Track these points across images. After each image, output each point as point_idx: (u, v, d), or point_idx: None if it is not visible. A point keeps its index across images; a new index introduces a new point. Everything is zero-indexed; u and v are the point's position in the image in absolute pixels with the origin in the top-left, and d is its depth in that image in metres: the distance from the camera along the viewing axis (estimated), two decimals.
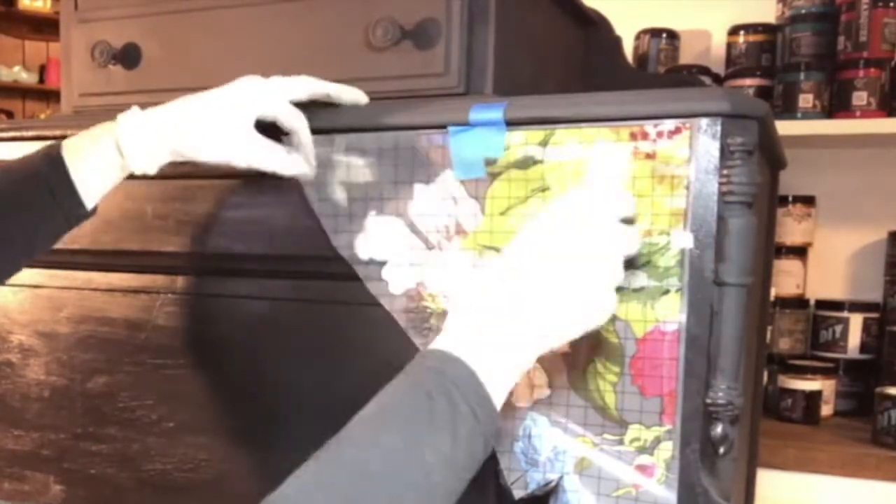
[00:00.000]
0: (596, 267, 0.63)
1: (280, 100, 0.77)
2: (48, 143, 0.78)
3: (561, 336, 0.63)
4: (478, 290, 0.63)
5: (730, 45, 1.67)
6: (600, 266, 0.63)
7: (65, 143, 0.77)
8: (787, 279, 1.67)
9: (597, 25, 1.17)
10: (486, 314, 0.62)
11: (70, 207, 0.75)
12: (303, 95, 0.78)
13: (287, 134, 0.79)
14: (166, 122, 0.76)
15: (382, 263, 0.79)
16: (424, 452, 0.55)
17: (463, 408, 0.57)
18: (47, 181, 0.74)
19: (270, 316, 0.86)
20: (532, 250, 0.64)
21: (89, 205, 0.77)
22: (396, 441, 0.55)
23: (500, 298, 0.62)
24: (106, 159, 0.76)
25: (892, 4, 1.51)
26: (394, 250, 0.79)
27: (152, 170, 0.77)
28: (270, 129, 0.79)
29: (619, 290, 0.67)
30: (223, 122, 0.76)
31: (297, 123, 0.78)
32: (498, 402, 0.60)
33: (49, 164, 0.75)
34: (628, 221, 0.67)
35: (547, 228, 0.65)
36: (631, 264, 0.69)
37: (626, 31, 1.47)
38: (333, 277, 0.82)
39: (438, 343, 0.61)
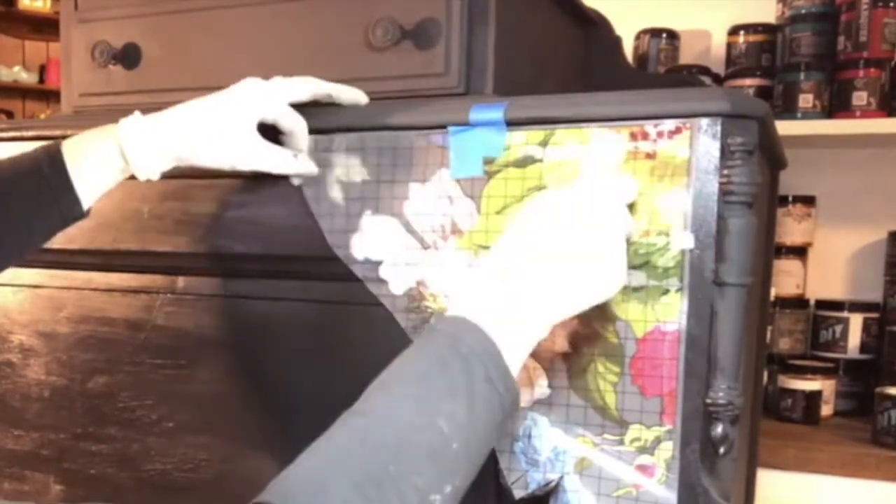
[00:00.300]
0: (601, 240, 0.64)
1: (281, 102, 0.78)
2: (48, 142, 0.78)
3: (569, 305, 0.63)
4: (495, 263, 0.63)
5: (730, 45, 1.68)
6: (606, 239, 0.64)
7: (65, 142, 0.77)
8: (787, 279, 1.67)
9: (597, 25, 1.17)
10: (494, 282, 0.61)
11: (67, 207, 0.75)
12: (304, 96, 0.79)
13: (283, 134, 0.80)
14: (170, 128, 0.76)
15: (378, 263, 0.79)
16: (440, 420, 0.54)
17: (479, 375, 0.56)
18: (46, 179, 0.74)
19: (270, 316, 0.86)
20: (537, 232, 0.64)
21: (86, 205, 0.77)
22: (411, 410, 0.54)
23: (506, 268, 0.62)
24: (107, 162, 0.76)
25: (892, 4, 1.51)
26: (389, 250, 0.79)
27: (156, 175, 0.77)
28: (268, 130, 0.79)
29: (622, 289, 0.68)
30: (226, 127, 0.76)
31: (297, 125, 0.79)
32: (514, 369, 0.59)
33: (49, 163, 0.75)
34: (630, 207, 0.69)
35: (554, 204, 0.65)
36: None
37: (626, 31, 1.47)
38: (333, 277, 0.82)
39: (451, 309, 0.60)
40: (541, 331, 0.61)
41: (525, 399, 0.75)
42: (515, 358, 0.59)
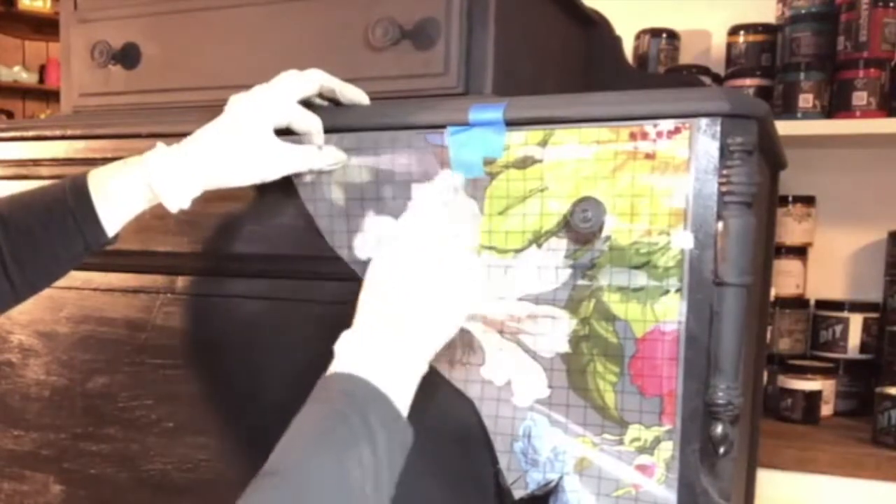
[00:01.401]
0: (449, 289, 0.70)
1: (290, 104, 0.78)
2: (75, 174, 0.79)
3: (435, 343, 0.69)
4: (364, 312, 0.69)
5: (730, 45, 1.67)
6: (453, 288, 0.71)
7: (91, 175, 0.78)
8: (787, 279, 1.67)
9: (597, 25, 1.17)
10: (370, 337, 0.67)
11: (92, 238, 0.77)
12: (311, 90, 0.79)
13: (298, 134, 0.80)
14: (195, 160, 0.77)
15: None
16: (351, 467, 0.59)
17: (376, 424, 0.61)
18: (72, 213, 0.76)
19: (270, 316, 0.86)
20: (397, 264, 0.71)
21: (111, 233, 0.78)
22: (325, 461, 0.59)
23: (377, 321, 0.68)
24: (134, 196, 0.78)
25: (892, 4, 1.50)
26: None
27: (186, 205, 0.78)
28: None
29: (622, 289, 0.69)
30: (246, 145, 0.77)
31: (311, 124, 0.79)
32: (402, 406, 0.65)
33: (74, 197, 0.76)
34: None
35: (405, 243, 0.72)
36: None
37: (626, 31, 1.47)
38: (333, 277, 0.82)
39: (336, 367, 0.66)
40: (420, 368, 0.68)
41: (525, 399, 0.75)
42: (403, 397, 0.65)
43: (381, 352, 0.66)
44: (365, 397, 0.63)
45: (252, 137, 0.77)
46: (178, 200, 0.77)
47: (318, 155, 0.79)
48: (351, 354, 0.66)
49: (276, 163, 0.78)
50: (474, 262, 0.75)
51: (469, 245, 0.75)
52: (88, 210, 0.76)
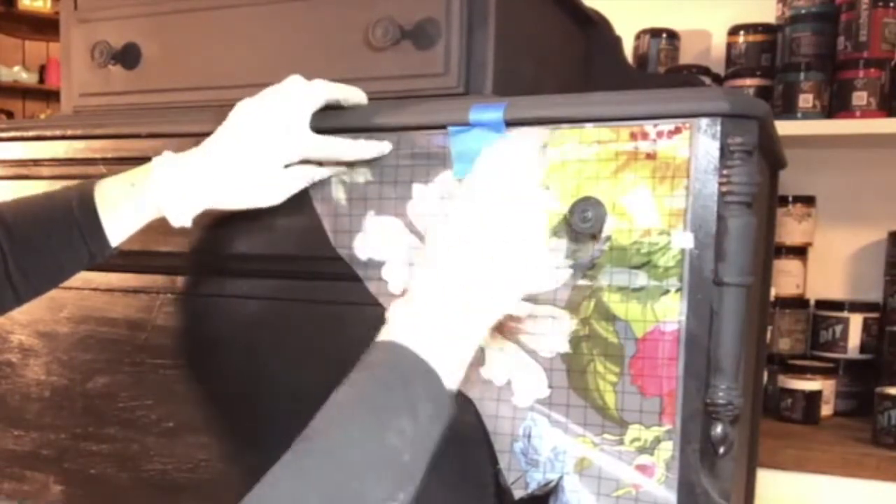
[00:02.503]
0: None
1: (301, 130, 0.77)
2: (82, 182, 0.79)
3: (493, 317, 0.67)
4: (418, 281, 0.67)
5: (730, 45, 1.67)
6: (524, 234, 0.68)
7: (98, 186, 0.78)
8: (787, 279, 1.67)
9: (597, 25, 1.17)
10: (425, 299, 0.65)
11: (96, 247, 0.78)
12: (318, 106, 0.78)
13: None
14: (201, 180, 0.77)
15: (381, 263, 0.79)
16: (390, 436, 0.58)
17: (419, 395, 0.60)
18: (78, 224, 0.77)
19: (270, 316, 0.86)
20: (458, 231, 0.68)
21: (116, 243, 0.79)
22: (364, 428, 0.58)
23: (435, 284, 0.66)
24: (140, 210, 0.78)
25: (892, 4, 1.50)
26: (392, 250, 0.79)
27: (189, 223, 0.79)
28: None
29: (622, 289, 0.68)
30: (252, 179, 0.77)
31: (324, 153, 0.79)
32: (450, 381, 0.63)
33: (81, 210, 0.77)
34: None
35: (469, 209, 0.69)
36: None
37: (626, 31, 1.47)
38: (333, 277, 0.82)
39: (384, 335, 0.64)
40: (473, 342, 0.66)
41: (525, 399, 0.75)
42: (452, 372, 0.63)
43: (432, 323, 0.64)
44: (410, 368, 0.61)
45: (258, 169, 0.77)
46: (182, 219, 0.78)
47: (319, 172, 0.80)
48: (401, 323, 0.64)
49: (280, 193, 0.79)
50: (543, 233, 0.71)
51: (539, 214, 0.71)
52: (94, 222, 0.77)
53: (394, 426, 0.58)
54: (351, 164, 0.80)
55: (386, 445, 0.58)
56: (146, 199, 0.77)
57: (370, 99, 0.82)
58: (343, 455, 0.57)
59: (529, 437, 0.75)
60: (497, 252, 0.67)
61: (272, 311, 0.86)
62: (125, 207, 0.78)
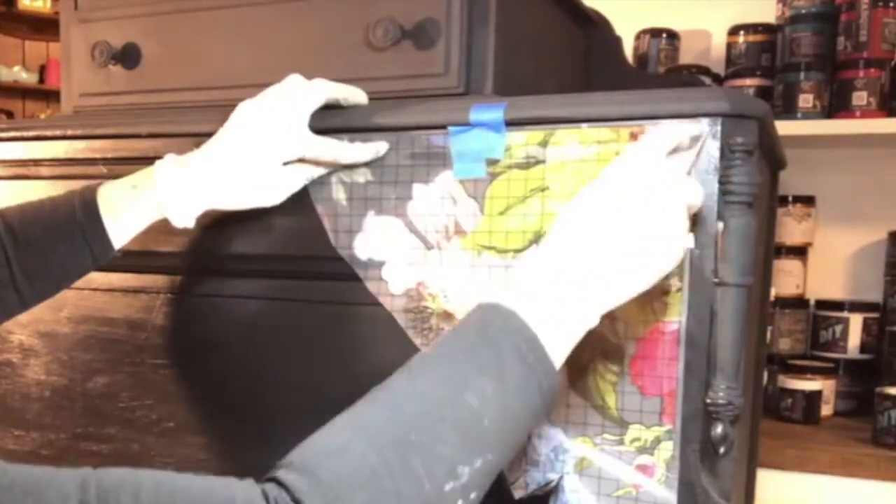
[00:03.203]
0: (657, 218, 0.62)
1: (300, 130, 0.77)
2: (85, 185, 0.80)
3: (614, 299, 0.62)
4: (541, 252, 0.62)
5: (730, 45, 1.67)
6: (661, 216, 0.62)
7: (101, 191, 0.79)
8: (787, 279, 1.67)
9: (597, 25, 1.17)
10: (532, 276, 0.60)
11: (99, 251, 0.79)
12: (318, 105, 0.78)
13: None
14: (203, 181, 0.78)
15: (381, 263, 0.79)
16: (466, 395, 0.54)
17: (511, 356, 0.55)
18: (81, 228, 0.78)
19: (270, 316, 0.86)
20: (592, 208, 0.62)
21: (119, 246, 0.80)
22: (432, 384, 0.54)
23: (558, 262, 0.61)
24: (143, 214, 0.79)
25: (892, 4, 1.50)
26: (393, 250, 0.79)
27: (192, 224, 0.79)
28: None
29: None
30: (253, 177, 0.78)
31: (321, 153, 0.79)
32: (556, 355, 0.58)
33: (85, 214, 0.78)
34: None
35: (606, 189, 0.63)
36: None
37: (626, 31, 1.47)
38: (333, 277, 0.82)
39: (495, 297, 0.59)
40: (588, 319, 0.60)
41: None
42: (557, 342, 0.58)
43: (539, 288, 0.59)
44: (503, 328, 0.56)
45: (260, 168, 0.77)
46: (185, 219, 0.79)
47: (317, 170, 0.81)
48: (505, 287, 0.60)
49: (281, 192, 0.80)
50: (683, 222, 0.64)
51: (680, 206, 0.64)
52: (97, 226, 0.78)
53: (472, 386, 0.54)
54: (349, 167, 0.80)
55: (462, 403, 0.53)
56: (148, 200, 0.78)
57: (370, 99, 0.82)
58: (409, 406, 0.53)
59: (529, 436, 0.75)
60: (629, 244, 0.61)
61: (272, 311, 0.86)
62: (128, 210, 0.78)
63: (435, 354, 0.57)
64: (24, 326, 0.99)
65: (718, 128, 0.68)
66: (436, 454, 0.52)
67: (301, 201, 0.81)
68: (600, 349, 0.72)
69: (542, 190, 0.73)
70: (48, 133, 0.94)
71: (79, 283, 0.95)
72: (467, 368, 0.55)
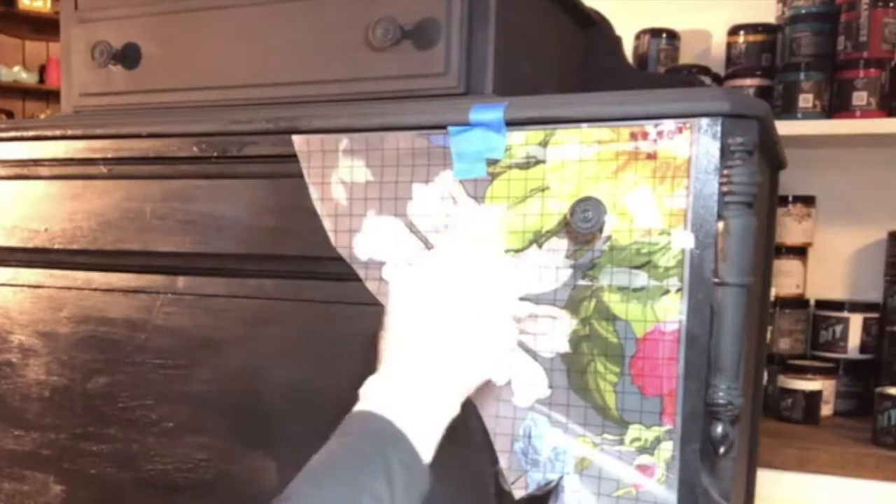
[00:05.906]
0: (484, 326, 0.70)
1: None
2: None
3: (469, 385, 0.69)
4: (390, 352, 0.69)
5: (730, 45, 1.67)
6: (488, 325, 0.70)
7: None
8: (787, 279, 1.67)
9: (597, 25, 1.17)
10: (397, 375, 0.67)
11: None
12: None
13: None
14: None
15: (381, 263, 0.79)
16: (364, 499, 0.60)
17: (395, 462, 0.62)
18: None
19: (269, 316, 0.86)
20: (424, 310, 0.69)
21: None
22: (338, 491, 0.60)
23: (405, 358, 0.67)
24: None
25: (892, 4, 1.50)
26: (393, 250, 0.79)
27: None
28: None
29: (623, 289, 0.69)
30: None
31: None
32: (426, 451, 0.64)
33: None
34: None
35: (436, 274, 0.71)
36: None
37: (626, 31, 1.47)
38: (333, 277, 0.82)
39: (364, 405, 0.65)
40: (449, 412, 0.67)
41: (525, 399, 0.75)
42: (427, 440, 0.65)
43: (407, 392, 0.66)
44: (385, 435, 0.63)
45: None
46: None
47: None
48: (376, 393, 0.66)
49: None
50: (505, 305, 0.73)
51: (503, 285, 0.73)
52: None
53: (368, 489, 0.60)
54: None
55: None
56: None
57: (370, 99, 0.82)
58: None
59: (530, 437, 0.75)
60: (464, 323, 0.68)
61: (272, 311, 0.86)
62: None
63: (331, 463, 0.62)
64: (24, 326, 0.99)
65: (719, 128, 0.68)
66: None
67: (301, 201, 0.81)
68: (601, 349, 0.72)
69: (543, 190, 0.73)
70: (48, 133, 0.94)
71: (79, 282, 0.95)
72: (364, 476, 0.61)
